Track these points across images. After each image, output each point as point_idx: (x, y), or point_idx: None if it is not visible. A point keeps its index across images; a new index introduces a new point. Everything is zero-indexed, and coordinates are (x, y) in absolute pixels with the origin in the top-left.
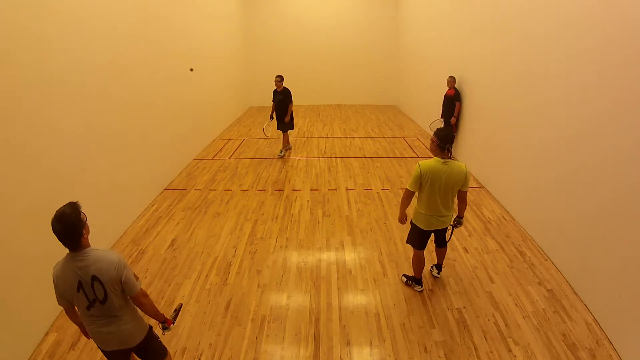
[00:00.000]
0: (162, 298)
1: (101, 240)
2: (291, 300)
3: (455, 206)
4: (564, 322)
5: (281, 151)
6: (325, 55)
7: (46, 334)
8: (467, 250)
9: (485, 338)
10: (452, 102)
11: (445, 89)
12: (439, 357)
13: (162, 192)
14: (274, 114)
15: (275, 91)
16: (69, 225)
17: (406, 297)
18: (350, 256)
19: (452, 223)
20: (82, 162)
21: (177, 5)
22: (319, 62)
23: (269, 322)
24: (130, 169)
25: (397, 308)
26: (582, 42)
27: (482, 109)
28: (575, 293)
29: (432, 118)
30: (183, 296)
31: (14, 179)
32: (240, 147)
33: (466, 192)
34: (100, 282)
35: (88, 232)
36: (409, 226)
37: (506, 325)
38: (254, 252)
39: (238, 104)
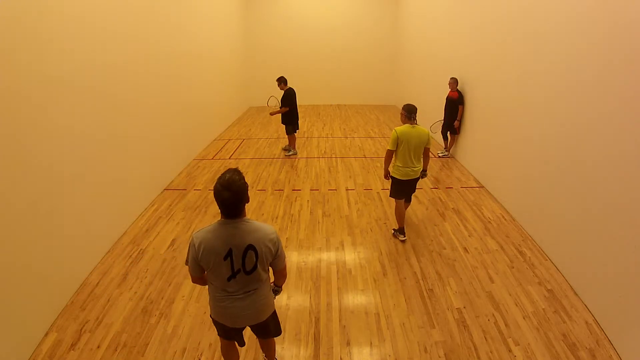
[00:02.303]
0: (162, 298)
1: (101, 240)
2: (291, 300)
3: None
4: (564, 322)
5: (287, 149)
6: (325, 55)
7: (46, 334)
8: (467, 250)
9: (485, 338)
10: (456, 105)
11: (445, 88)
12: (439, 357)
13: (162, 192)
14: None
15: None
16: (238, 193)
17: (406, 297)
18: (350, 256)
19: (419, 175)
20: (82, 162)
21: (177, 6)
22: (319, 62)
23: None
24: (130, 168)
25: (397, 308)
26: (582, 42)
27: (482, 108)
28: (575, 293)
29: (432, 118)
30: (183, 296)
31: (14, 178)
32: (240, 147)
33: (429, 149)
34: (255, 252)
35: (248, 200)
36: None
37: (506, 325)
38: None
39: (238, 104)
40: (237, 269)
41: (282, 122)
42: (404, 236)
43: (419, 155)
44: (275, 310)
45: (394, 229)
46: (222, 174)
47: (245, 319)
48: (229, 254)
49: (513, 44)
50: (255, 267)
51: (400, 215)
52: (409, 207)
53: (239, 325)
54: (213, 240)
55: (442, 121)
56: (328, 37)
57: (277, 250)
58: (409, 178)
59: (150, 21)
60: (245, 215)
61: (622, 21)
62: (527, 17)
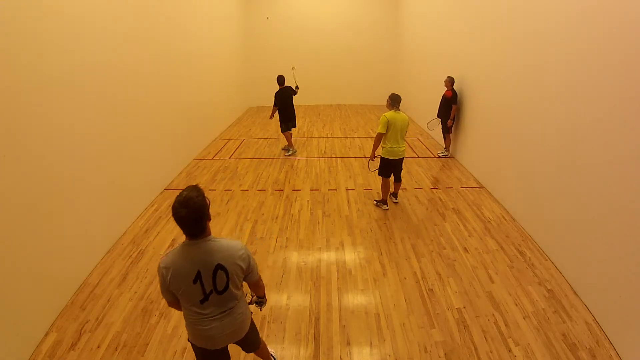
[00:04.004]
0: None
1: (101, 240)
2: (291, 300)
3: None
4: (564, 322)
5: (286, 149)
6: (325, 55)
7: (46, 334)
8: (467, 250)
9: (485, 338)
10: (449, 104)
11: (440, 90)
12: (439, 357)
13: (162, 192)
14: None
15: None
16: (196, 210)
17: (406, 297)
18: (350, 256)
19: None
20: (82, 162)
21: (177, 6)
22: (319, 62)
23: (268, 322)
24: (130, 169)
25: (397, 308)
26: (582, 42)
27: (482, 108)
28: (575, 293)
29: (430, 118)
30: None
31: (14, 178)
32: (240, 147)
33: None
34: (225, 271)
35: (210, 219)
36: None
37: (506, 325)
38: (254, 252)
39: (238, 104)
40: (209, 291)
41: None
42: (387, 206)
43: (404, 136)
44: (253, 321)
45: (377, 200)
46: (180, 192)
47: (225, 339)
48: (198, 276)
49: (513, 44)
50: (227, 287)
51: (386, 190)
52: (409, 206)
53: (220, 346)
54: (180, 264)
55: (439, 120)
56: (328, 37)
57: (249, 265)
58: (397, 157)
59: (150, 21)
60: (209, 234)
61: (622, 21)
62: (527, 17)
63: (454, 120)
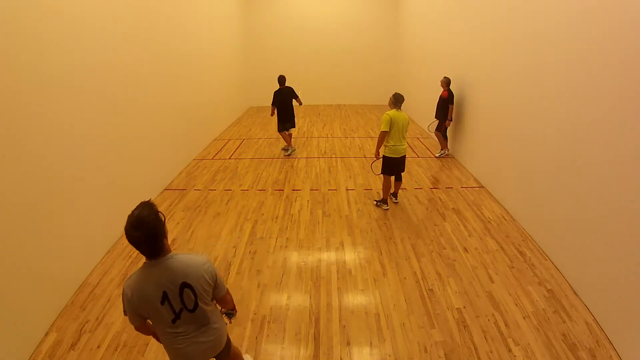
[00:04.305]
0: None
1: (101, 240)
2: (291, 300)
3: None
4: (564, 322)
5: (285, 149)
6: (325, 55)
7: (46, 334)
8: (467, 250)
9: (485, 338)
10: (446, 105)
11: (440, 89)
12: (439, 357)
13: (162, 192)
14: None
15: None
16: (151, 230)
17: (406, 297)
18: (350, 256)
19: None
20: (82, 162)
21: (177, 6)
22: (319, 62)
23: (269, 322)
24: (130, 169)
25: (397, 308)
26: (582, 42)
27: (482, 108)
28: (575, 293)
29: (431, 118)
30: None
31: (13, 179)
32: (240, 147)
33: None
34: (192, 289)
35: (167, 234)
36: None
37: (506, 325)
38: (254, 252)
39: (238, 104)
40: (179, 309)
41: None
42: (387, 206)
43: (405, 135)
44: (227, 333)
45: (377, 200)
46: (132, 211)
47: (202, 356)
48: (165, 297)
49: (513, 44)
50: (197, 305)
51: (387, 189)
52: (409, 206)
53: None
54: (144, 287)
55: (437, 121)
56: (328, 37)
57: (215, 279)
58: (399, 155)
59: (150, 21)
60: (169, 251)
61: (622, 21)
62: (527, 17)
63: (451, 120)
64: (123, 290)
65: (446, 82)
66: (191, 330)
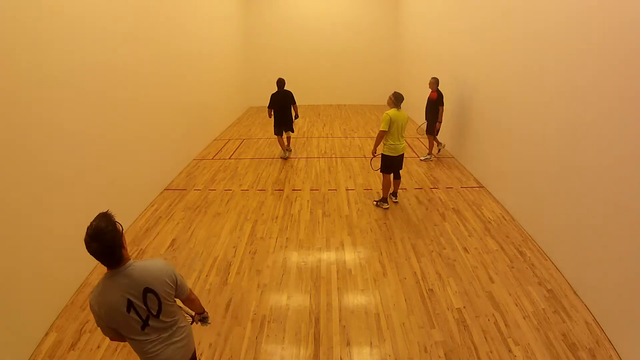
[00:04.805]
0: None
1: None
2: (291, 300)
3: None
4: (564, 322)
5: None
6: (325, 55)
7: (46, 334)
8: (467, 250)
9: (485, 338)
10: (436, 106)
11: (444, 88)
12: (439, 357)
13: (162, 192)
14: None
15: None
16: (109, 241)
17: (406, 297)
18: (350, 256)
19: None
20: (82, 162)
21: (177, 6)
22: (319, 62)
23: (269, 322)
24: (130, 168)
25: (397, 308)
26: (582, 42)
27: (482, 108)
28: (575, 293)
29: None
30: None
31: (13, 178)
32: (240, 147)
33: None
34: (155, 293)
35: (126, 243)
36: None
37: (506, 325)
38: (254, 252)
39: (238, 104)
40: (146, 316)
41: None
42: (387, 204)
43: (403, 134)
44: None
45: (376, 200)
46: (91, 222)
47: (184, 355)
48: (130, 305)
49: (513, 44)
50: (161, 308)
51: (387, 188)
52: (409, 206)
53: None
54: (109, 298)
55: (427, 123)
56: (328, 37)
57: (176, 281)
58: (398, 154)
59: (150, 21)
60: (128, 259)
61: (622, 21)
62: (528, 17)
63: (441, 122)
64: (90, 304)
65: (435, 83)
66: (162, 334)
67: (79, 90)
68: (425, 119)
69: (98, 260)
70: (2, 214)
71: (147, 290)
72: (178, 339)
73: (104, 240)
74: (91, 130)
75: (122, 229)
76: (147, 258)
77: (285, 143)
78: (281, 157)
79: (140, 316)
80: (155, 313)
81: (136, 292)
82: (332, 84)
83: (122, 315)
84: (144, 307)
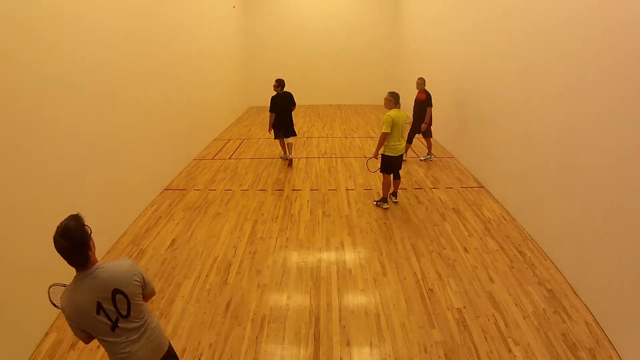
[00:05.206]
0: (162, 298)
1: (101, 240)
2: (291, 300)
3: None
4: (564, 322)
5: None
6: (325, 55)
7: (46, 334)
8: (467, 250)
9: (485, 338)
10: (424, 107)
11: (444, 88)
12: (439, 357)
13: (162, 192)
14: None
15: None
16: (76, 240)
17: (406, 297)
18: (350, 256)
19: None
20: (82, 162)
21: (177, 6)
22: (319, 62)
23: (269, 322)
24: (130, 168)
25: (397, 308)
26: (582, 42)
27: (482, 108)
28: (575, 293)
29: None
30: (183, 296)
31: (13, 179)
32: (240, 147)
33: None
34: (124, 294)
35: (95, 247)
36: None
37: (506, 325)
38: (254, 252)
39: (238, 104)
40: (115, 317)
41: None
42: (387, 204)
43: (403, 134)
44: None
45: (377, 200)
46: (61, 222)
47: (157, 354)
48: (99, 307)
49: (513, 44)
50: (130, 309)
51: (387, 188)
52: (409, 206)
53: None
54: (79, 301)
55: (410, 123)
56: (328, 37)
57: (143, 279)
58: (398, 154)
59: (150, 21)
60: (96, 261)
61: (622, 21)
62: (528, 16)
63: (429, 124)
64: (61, 307)
65: (422, 83)
66: (132, 335)
67: (78, 90)
68: (413, 121)
69: (65, 259)
70: (2, 214)
71: (116, 292)
72: (150, 338)
73: (72, 238)
74: (91, 130)
75: (91, 232)
76: (113, 260)
77: (287, 151)
78: (282, 158)
79: (109, 318)
80: (124, 314)
81: (105, 294)
82: (332, 84)
83: (92, 317)
84: (114, 308)
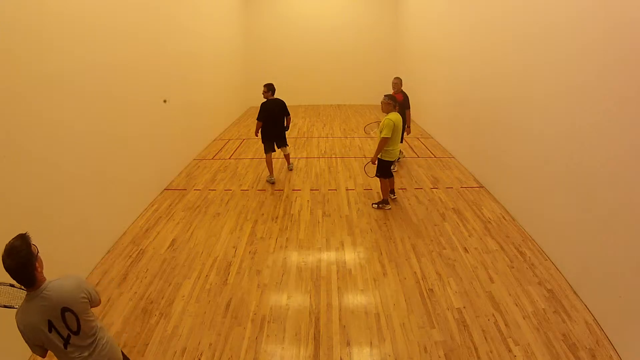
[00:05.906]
0: (162, 298)
1: (101, 240)
2: (291, 300)
3: None
4: (564, 322)
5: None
6: (325, 55)
7: None
8: (467, 250)
9: (485, 338)
10: (402, 109)
11: (444, 88)
12: (439, 357)
13: (162, 192)
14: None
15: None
16: (21, 259)
17: (406, 297)
18: (350, 256)
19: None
20: (82, 162)
21: (177, 6)
22: (319, 62)
23: (269, 322)
24: (130, 168)
25: (397, 308)
26: (582, 42)
27: (482, 108)
28: (575, 293)
29: (431, 118)
30: (183, 296)
31: (14, 178)
32: (240, 147)
33: None
34: (72, 311)
35: (42, 266)
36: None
37: (506, 325)
38: (254, 252)
39: (238, 104)
40: (67, 335)
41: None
42: (389, 205)
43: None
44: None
45: (376, 203)
46: (9, 241)
47: None
48: (51, 325)
49: (513, 44)
50: (79, 325)
51: (386, 190)
52: (409, 206)
53: None
54: (31, 320)
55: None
56: (328, 37)
57: (91, 295)
58: (396, 158)
59: (150, 21)
60: (44, 280)
61: (622, 21)
62: (527, 16)
63: (409, 126)
64: (17, 324)
65: (399, 83)
66: (84, 352)
67: (79, 90)
68: None
69: (14, 277)
70: (2, 213)
71: (65, 310)
72: (100, 354)
73: (18, 258)
74: (91, 130)
75: (38, 252)
76: (60, 277)
77: (287, 164)
78: (267, 181)
79: (61, 335)
80: (75, 330)
81: (55, 313)
82: (332, 84)
83: (45, 335)
84: (64, 326)
